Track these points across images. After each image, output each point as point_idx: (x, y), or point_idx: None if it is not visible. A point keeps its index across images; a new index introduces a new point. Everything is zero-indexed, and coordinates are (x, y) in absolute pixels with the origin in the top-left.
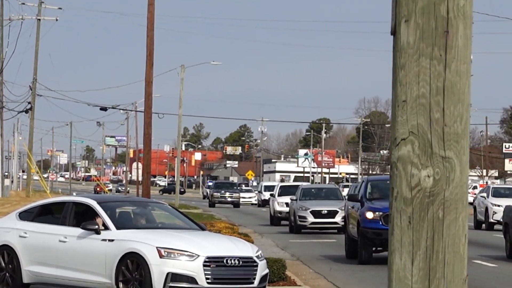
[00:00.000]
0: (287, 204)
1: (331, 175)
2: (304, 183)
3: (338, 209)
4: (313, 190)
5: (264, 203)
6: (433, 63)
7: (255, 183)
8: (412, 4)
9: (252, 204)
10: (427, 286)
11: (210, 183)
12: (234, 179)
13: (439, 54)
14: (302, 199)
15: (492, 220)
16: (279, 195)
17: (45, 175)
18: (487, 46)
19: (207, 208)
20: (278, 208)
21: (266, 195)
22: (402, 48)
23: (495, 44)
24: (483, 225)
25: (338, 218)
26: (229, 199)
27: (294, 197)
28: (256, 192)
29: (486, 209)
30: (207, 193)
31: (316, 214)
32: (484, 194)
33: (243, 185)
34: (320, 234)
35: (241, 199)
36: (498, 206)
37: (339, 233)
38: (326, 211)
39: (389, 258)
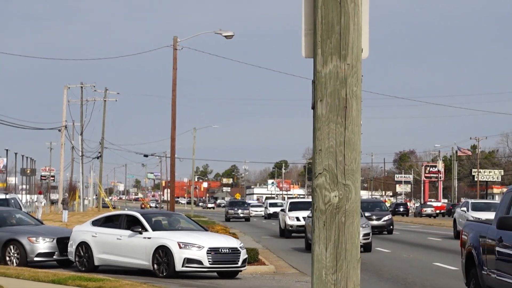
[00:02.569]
0: (297, 218)
1: (288, 196)
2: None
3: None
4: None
5: (269, 216)
6: (337, 126)
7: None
8: (324, 90)
9: (262, 216)
10: (335, 264)
11: (224, 202)
12: (227, 198)
13: (341, 121)
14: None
15: None
16: (289, 210)
17: (110, 198)
18: (380, 113)
19: (214, 218)
20: (289, 222)
21: (271, 210)
22: (318, 117)
23: (385, 112)
24: None
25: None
26: (241, 215)
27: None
28: (264, 207)
29: None
30: (226, 211)
31: None
32: (464, 208)
33: (256, 201)
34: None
35: (254, 212)
36: (478, 219)
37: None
38: None
39: (312, 247)
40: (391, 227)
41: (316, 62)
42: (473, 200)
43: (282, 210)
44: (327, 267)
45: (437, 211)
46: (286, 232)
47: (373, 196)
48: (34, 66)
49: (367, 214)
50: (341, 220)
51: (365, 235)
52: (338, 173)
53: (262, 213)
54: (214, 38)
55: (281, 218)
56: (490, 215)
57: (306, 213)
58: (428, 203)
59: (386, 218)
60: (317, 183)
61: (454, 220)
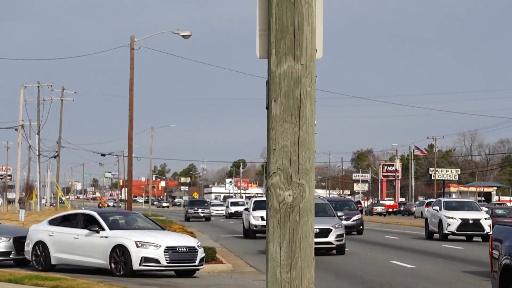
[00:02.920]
0: (262, 218)
1: (246, 195)
2: None
3: (331, 227)
4: None
5: (230, 215)
6: (291, 126)
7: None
8: (278, 90)
9: (223, 215)
10: (289, 262)
11: (182, 201)
12: (185, 197)
13: (295, 120)
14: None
15: (446, 232)
16: (253, 209)
17: (67, 197)
18: (337, 112)
19: (172, 217)
20: (253, 221)
21: (232, 209)
22: (273, 117)
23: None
24: (436, 236)
25: (331, 237)
26: (201, 214)
27: (245, 207)
28: (225, 206)
29: (440, 221)
30: (185, 210)
31: None
32: (437, 207)
33: (217, 200)
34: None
35: (215, 212)
36: (452, 218)
37: (330, 254)
38: (317, 230)
39: (266, 246)
40: (361, 227)
41: (271, 62)
42: (445, 199)
43: (246, 209)
44: (282, 265)
45: (388, 210)
46: (250, 232)
47: (330, 195)
48: None
49: None
50: (295, 219)
51: (338, 236)
52: (292, 172)
53: (224, 212)
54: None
55: (244, 218)
56: (464, 215)
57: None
58: (381, 202)
59: (355, 217)
60: (272, 182)
61: (426, 220)
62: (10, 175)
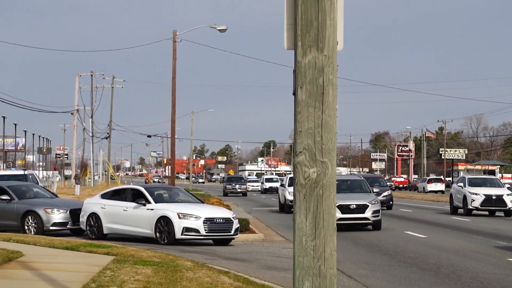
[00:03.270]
0: None
1: (276, 172)
2: None
3: (367, 203)
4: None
5: (265, 191)
6: (315, 110)
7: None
8: (303, 78)
9: (259, 191)
10: (314, 232)
11: (219, 177)
12: (222, 174)
13: (319, 105)
14: None
15: (470, 207)
16: (289, 185)
17: (117, 173)
18: (358, 99)
19: (210, 191)
20: (289, 197)
21: (267, 185)
22: (299, 102)
23: (363, 97)
24: (461, 211)
25: (368, 213)
26: (238, 190)
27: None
28: (260, 182)
29: (464, 197)
30: (224, 186)
31: (344, 209)
32: (461, 184)
33: (254, 176)
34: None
35: (250, 187)
36: (476, 194)
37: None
38: (354, 206)
39: (294, 217)
40: (391, 202)
41: (297, 53)
42: (470, 176)
43: (281, 185)
44: (307, 235)
45: (399, 185)
46: (286, 207)
47: (351, 172)
48: (50, 56)
49: None
50: (319, 193)
51: (374, 212)
52: (316, 151)
53: (259, 187)
54: (210, 32)
55: (280, 193)
56: (487, 191)
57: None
58: (392, 178)
59: (385, 193)
60: (298, 160)
61: (451, 196)
62: (67, 154)
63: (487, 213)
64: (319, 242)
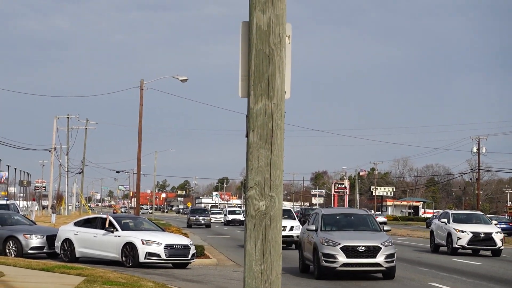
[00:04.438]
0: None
1: (228, 206)
2: (323, 209)
3: (380, 245)
4: (337, 217)
5: (227, 222)
6: (265, 151)
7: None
8: (255, 123)
9: (221, 222)
10: (262, 257)
11: (177, 208)
12: (181, 206)
13: (268, 147)
14: (325, 230)
15: (456, 246)
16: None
17: (89, 204)
18: (302, 141)
19: (169, 221)
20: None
21: (230, 217)
22: (251, 143)
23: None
24: (443, 249)
25: (380, 258)
26: (202, 221)
27: (313, 227)
28: (223, 214)
29: (449, 234)
30: (187, 218)
31: (350, 251)
32: (444, 220)
33: (217, 208)
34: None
35: (213, 219)
36: (463, 232)
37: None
38: (363, 248)
39: (244, 244)
40: None
41: (250, 101)
42: (453, 211)
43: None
44: (256, 260)
45: None
46: None
47: (293, 206)
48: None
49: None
50: (267, 224)
51: (388, 256)
52: (265, 187)
53: (222, 219)
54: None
55: None
56: (475, 228)
57: (287, 223)
58: None
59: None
60: (249, 194)
61: (431, 233)
62: (44, 187)
63: (470, 251)
64: (266, 266)
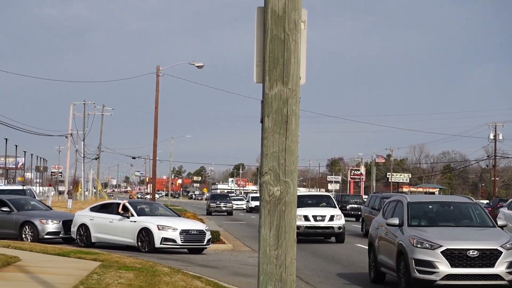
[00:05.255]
0: (306, 217)
1: (244, 191)
2: (407, 195)
3: (499, 248)
4: (430, 206)
5: (251, 210)
6: (280, 136)
7: (207, 195)
8: (270, 108)
9: (244, 209)
10: (277, 242)
11: (194, 194)
12: (197, 192)
13: (283, 132)
14: (414, 225)
15: None
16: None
17: (105, 190)
18: (318, 128)
19: (185, 207)
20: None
21: (253, 203)
22: (265, 129)
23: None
24: None
25: (501, 267)
26: (223, 208)
27: (396, 221)
28: (246, 201)
29: None
30: (207, 204)
31: (456, 258)
32: None
33: (239, 194)
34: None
35: (235, 206)
36: None
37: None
38: (475, 253)
39: (259, 230)
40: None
41: (265, 86)
42: None
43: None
44: (270, 245)
45: None
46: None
47: (309, 190)
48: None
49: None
50: (282, 209)
51: (510, 265)
52: (280, 172)
53: (244, 206)
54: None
55: None
56: None
57: (320, 211)
58: None
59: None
60: (264, 180)
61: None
62: (61, 172)
63: None
64: (281, 252)
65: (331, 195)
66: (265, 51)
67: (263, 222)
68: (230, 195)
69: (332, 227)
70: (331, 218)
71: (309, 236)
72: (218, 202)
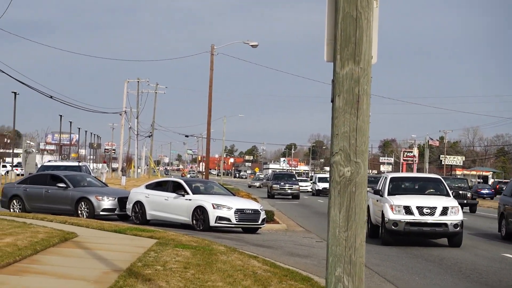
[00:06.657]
0: (408, 209)
1: (295, 171)
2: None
3: None
4: None
5: (318, 192)
6: (351, 116)
7: (261, 175)
8: (341, 87)
9: (309, 192)
10: (346, 224)
11: (245, 174)
12: (249, 171)
13: (354, 112)
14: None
15: None
16: (389, 194)
17: (158, 167)
18: (371, 109)
19: (237, 185)
20: (392, 216)
21: (320, 185)
22: (336, 109)
23: (376, 108)
24: None
25: None
26: (289, 191)
27: None
28: (311, 182)
29: None
30: (267, 185)
31: None
32: None
33: (303, 175)
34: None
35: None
36: None
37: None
38: None
39: (328, 211)
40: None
41: (336, 65)
42: None
43: (376, 192)
44: (340, 227)
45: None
46: (386, 235)
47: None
48: (101, 65)
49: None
50: (352, 190)
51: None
52: (350, 153)
53: (309, 188)
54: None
55: (373, 209)
56: None
57: (428, 201)
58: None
59: None
60: (334, 160)
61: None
62: (114, 150)
63: None
64: (350, 233)
65: (442, 179)
66: (337, 30)
67: (333, 203)
68: (317, 175)
69: (446, 224)
70: (444, 211)
71: (412, 235)
72: (282, 184)
